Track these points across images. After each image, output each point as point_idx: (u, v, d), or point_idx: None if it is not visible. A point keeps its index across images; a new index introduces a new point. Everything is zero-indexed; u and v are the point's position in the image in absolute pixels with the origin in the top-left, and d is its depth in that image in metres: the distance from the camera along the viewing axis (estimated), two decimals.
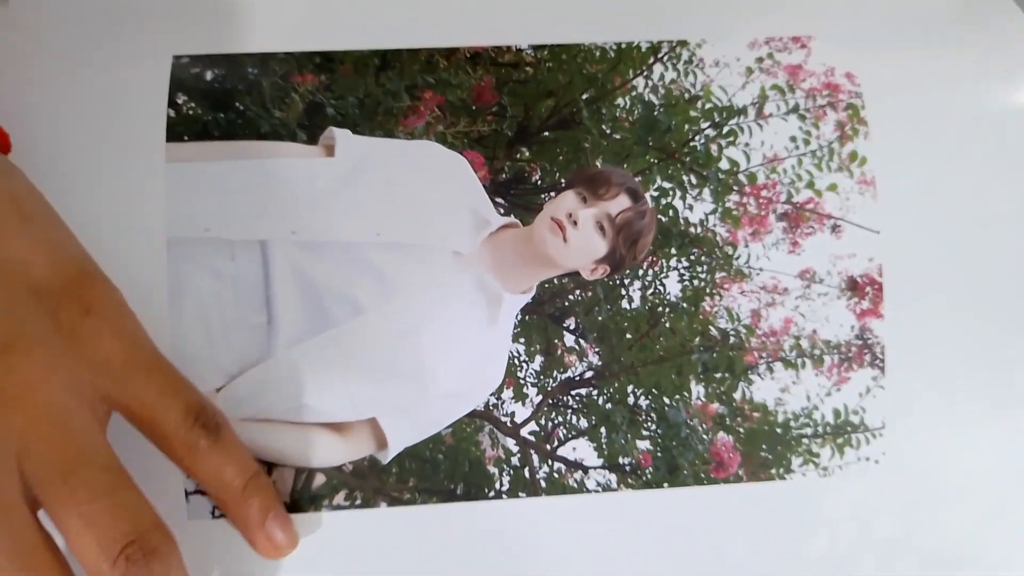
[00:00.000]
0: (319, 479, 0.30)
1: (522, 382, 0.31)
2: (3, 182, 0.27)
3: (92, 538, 0.25)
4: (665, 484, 0.31)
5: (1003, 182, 0.32)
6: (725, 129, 0.32)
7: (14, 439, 0.25)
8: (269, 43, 0.32)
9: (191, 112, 0.31)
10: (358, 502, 0.30)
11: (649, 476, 0.31)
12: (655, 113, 0.32)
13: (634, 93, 0.32)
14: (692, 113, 0.32)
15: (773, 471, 0.31)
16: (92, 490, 0.25)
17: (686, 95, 0.32)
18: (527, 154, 0.31)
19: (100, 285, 0.27)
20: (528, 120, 0.31)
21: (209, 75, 0.31)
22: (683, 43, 0.32)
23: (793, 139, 0.32)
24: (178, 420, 0.27)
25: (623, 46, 0.32)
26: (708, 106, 0.32)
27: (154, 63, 0.31)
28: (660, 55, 0.32)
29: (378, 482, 0.30)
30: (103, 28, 0.32)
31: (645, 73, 0.32)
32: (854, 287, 0.32)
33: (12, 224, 0.27)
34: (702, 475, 0.31)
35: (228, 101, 0.31)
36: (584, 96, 0.32)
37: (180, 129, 0.31)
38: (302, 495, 0.30)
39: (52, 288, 0.26)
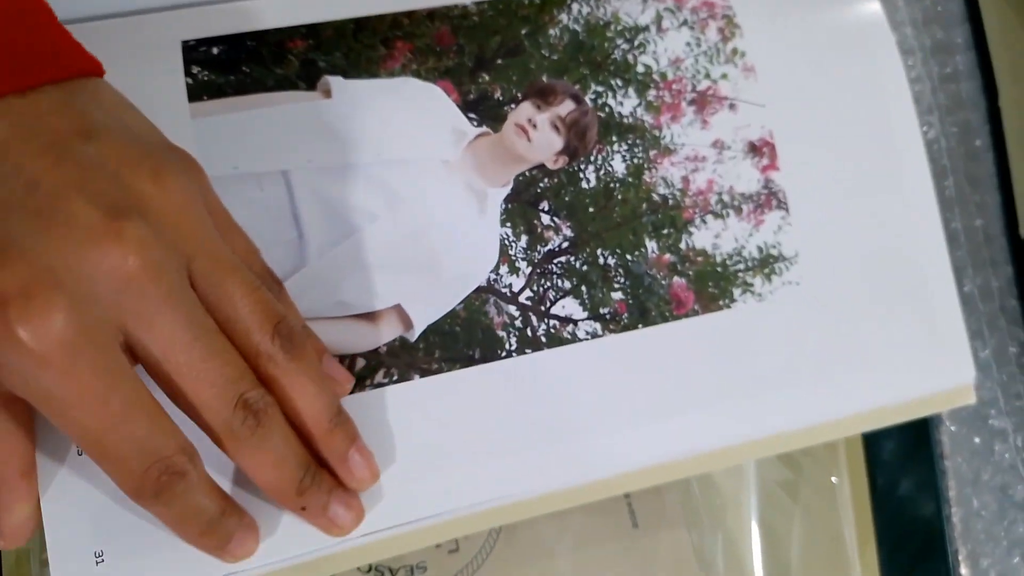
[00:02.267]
0: (360, 363, 0.36)
1: (514, 258, 0.38)
2: (108, 95, 0.32)
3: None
4: (639, 326, 0.38)
5: (846, 52, 0.42)
6: (636, 43, 0.40)
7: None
8: (262, 24, 0.38)
9: (206, 78, 0.37)
10: (395, 378, 0.36)
11: (626, 321, 0.38)
12: (580, 38, 0.40)
13: (561, 25, 0.40)
14: (608, 34, 0.40)
15: (721, 303, 0.39)
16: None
17: (601, 22, 0.40)
18: (487, 78, 0.39)
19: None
20: (483, 53, 0.39)
21: (216, 50, 0.37)
22: None
23: (688, 44, 0.40)
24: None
25: None
26: (620, 27, 0.40)
27: (166, 50, 0.37)
28: None
29: (409, 358, 0.36)
30: (112, 36, 0.37)
31: (567, 11, 0.40)
32: (754, 149, 0.40)
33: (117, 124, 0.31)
34: (667, 314, 0.38)
35: (236, 66, 0.37)
36: (523, 32, 0.40)
37: (199, 91, 0.36)
38: None
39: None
